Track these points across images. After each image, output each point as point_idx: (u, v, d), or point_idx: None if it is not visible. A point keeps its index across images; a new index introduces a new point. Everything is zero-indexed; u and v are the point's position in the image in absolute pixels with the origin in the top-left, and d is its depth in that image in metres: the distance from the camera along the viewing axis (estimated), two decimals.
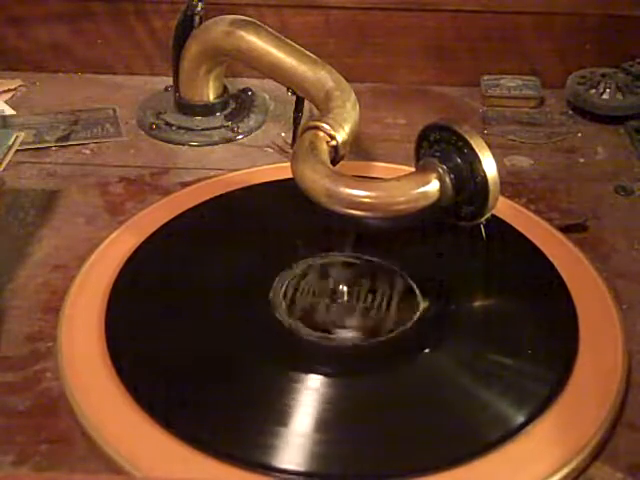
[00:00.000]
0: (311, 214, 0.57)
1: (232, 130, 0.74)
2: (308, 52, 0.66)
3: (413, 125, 0.63)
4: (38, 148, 0.71)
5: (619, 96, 0.76)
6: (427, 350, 0.51)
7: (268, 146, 0.73)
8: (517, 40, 0.81)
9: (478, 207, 0.56)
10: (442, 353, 0.51)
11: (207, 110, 0.75)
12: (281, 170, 0.65)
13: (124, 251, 0.57)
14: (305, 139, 0.57)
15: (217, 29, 0.69)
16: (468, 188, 0.55)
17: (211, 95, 0.75)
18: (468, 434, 0.45)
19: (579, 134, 0.75)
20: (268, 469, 0.43)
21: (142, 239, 0.58)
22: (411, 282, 0.55)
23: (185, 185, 0.66)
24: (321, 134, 0.57)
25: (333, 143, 0.57)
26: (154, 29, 0.82)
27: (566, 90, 0.79)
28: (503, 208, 0.60)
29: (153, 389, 0.47)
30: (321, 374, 0.48)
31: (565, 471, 0.43)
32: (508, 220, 0.60)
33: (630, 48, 0.79)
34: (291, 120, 0.70)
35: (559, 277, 0.55)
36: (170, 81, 0.76)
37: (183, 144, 0.73)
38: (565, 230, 0.61)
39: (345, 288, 0.54)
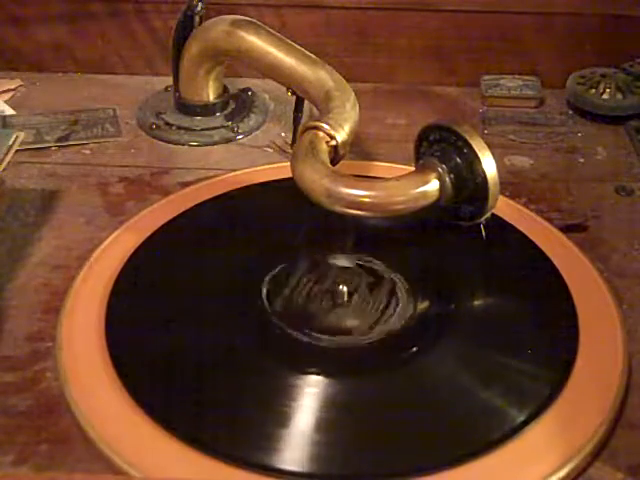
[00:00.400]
0: (311, 214, 0.57)
1: (232, 130, 0.74)
2: (308, 52, 0.66)
3: (413, 125, 0.63)
4: (38, 148, 0.71)
5: (619, 96, 0.76)
6: (427, 350, 0.51)
7: (268, 146, 0.73)
8: (517, 40, 0.81)
9: (478, 207, 0.56)
10: (442, 353, 0.51)
11: (207, 110, 0.75)
12: (281, 170, 0.65)
13: (124, 251, 0.57)
14: (305, 139, 0.57)
15: (217, 29, 0.69)
16: (468, 188, 0.55)
17: (211, 95, 0.75)
18: (468, 434, 0.45)
19: (579, 134, 0.75)
20: (268, 469, 0.43)
21: (142, 239, 0.58)
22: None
23: (185, 185, 0.66)
24: (321, 134, 0.57)
25: (333, 143, 0.57)
26: (154, 29, 0.82)
27: (566, 90, 0.79)
28: (503, 208, 0.60)
29: (153, 389, 0.47)
30: (321, 375, 0.48)
31: (565, 471, 0.43)
32: (508, 220, 0.60)
33: (630, 48, 0.79)
34: (291, 120, 0.70)
35: (559, 277, 0.55)
36: (170, 81, 0.76)
37: (183, 144, 0.73)
38: (565, 230, 0.61)
39: (345, 288, 0.54)
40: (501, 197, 0.58)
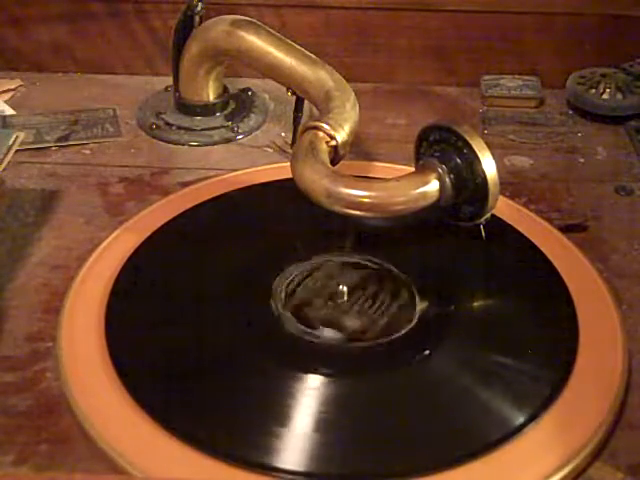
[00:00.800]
0: (311, 214, 0.57)
1: (232, 130, 0.74)
2: (308, 52, 0.66)
3: (413, 125, 0.63)
4: (38, 148, 0.71)
5: (619, 96, 0.76)
6: (427, 350, 0.51)
7: (268, 146, 0.73)
8: (517, 40, 0.81)
9: (478, 207, 0.56)
10: (442, 353, 0.51)
11: (207, 110, 0.75)
12: (281, 170, 0.65)
13: (124, 251, 0.57)
14: (305, 139, 0.57)
15: (217, 29, 0.69)
16: (468, 188, 0.55)
17: (211, 95, 0.75)
18: (468, 434, 0.45)
19: (579, 134, 0.75)
20: (268, 469, 0.43)
21: (142, 239, 0.58)
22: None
23: (185, 185, 0.66)
24: (321, 134, 0.57)
25: (333, 143, 0.57)
26: (154, 29, 0.82)
27: (566, 90, 0.79)
28: (503, 208, 0.60)
29: (153, 389, 0.47)
30: (321, 374, 0.48)
31: (565, 471, 0.43)
32: (508, 220, 0.60)
33: (630, 48, 0.79)
34: (291, 120, 0.70)
35: (559, 277, 0.55)
36: (170, 81, 0.76)
37: (183, 144, 0.73)
38: (565, 230, 0.61)
39: (345, 288, 0.54)
40: (501, 197, 0.57)
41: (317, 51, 0.66)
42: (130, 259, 0.57)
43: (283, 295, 0.54)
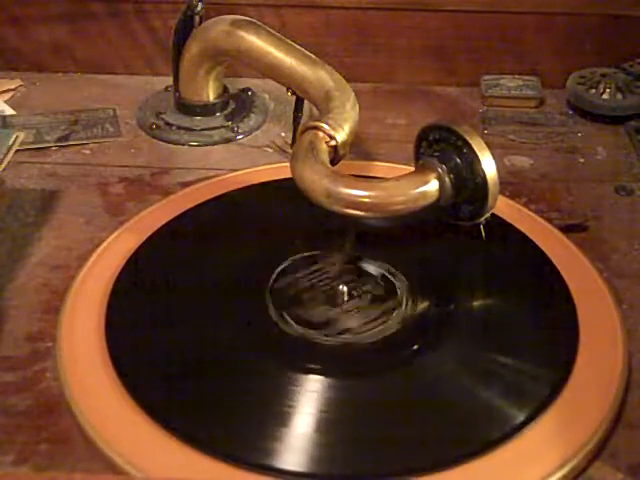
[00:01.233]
0: (311, 214, 0.57)
1: (232, 130, 0.74)
2: (308, 52, 0.66)
3: (413, 125, 0.63)
4: (38, 148, 0.71)
5: (619, 96, 0.76)
6: (427, 350, 0.51)
7: (268, 146, 0.73)
8: (517, 40, 0.81)
9: (478, 207, 0.56)
10: (442, 353, 0.51)
11: (207, 110, 0.75)
12: (281, 170, 0.65)
13: (124, 251, 0.57)
14: (305, 139, 0.57)
15: (217, 29, 0.69)
16: (467, 188, 0.55)
17: (211, 95, 0.75)
18: (468, 434, 0.45)
19: (579, 134, 0.75)
20: (267, 469, 0.43)
21: (142, 239, 0.58)
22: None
23: (185, 185, 0.66)
24: (321, 134, 0.57)
25: (333, 143, 0.57)
26: (154, 29, 0.82)
27: (566, 90, 0.79)
28: (503, 208, 0.60)
29: (153, 389, 0.47)
30: (320, 375, 0.48)
31: (565, 471, 0.43)
32: (508, 220, 0.60)
33: (630, 48, 0.79)
34: (291, 120, 0.70)
35: (559, 277, 0.55)
36: (170, 81, 0.76)
37: (183, 144, 0.73)
38: (565, 230, 0.61)
39: (345, 288, 0.54)
40: (501, 197, 0.58)
41: (317, 51, 0.66)
42: (130, 259, 0.57)
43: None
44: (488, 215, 0.57)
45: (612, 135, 0.75)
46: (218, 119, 0.75)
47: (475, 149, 0.55)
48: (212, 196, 0.63)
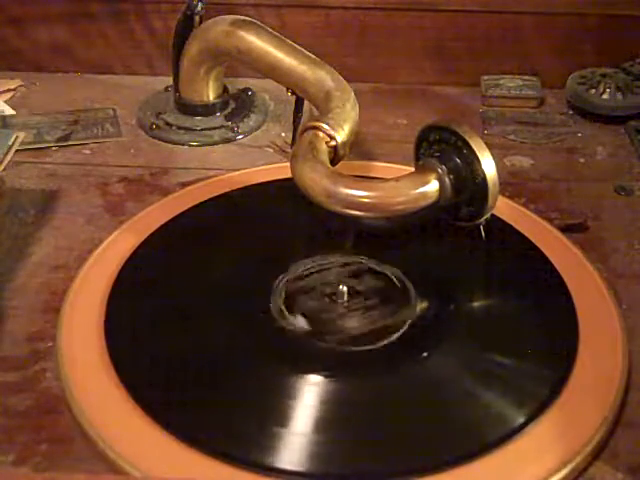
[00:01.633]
0: (311, 214, 0.57)
1: (232, 130, 0.74)
2: (308, 52, 0.66)
3: (413, 125, 0.63)
4: (38, 148, 0.71)
5: (619, 96, 0.76)
6: (427, 350, 0.51)
7: (268, 146, 0.73)
8: (517, 40, 0.81)
9: (477, 207, 0.56)
10: (442, 353, 0.51)
11: (207, 110, 0.75)
12: (281, 170, 0.65)
13: (124, 251, 0.57)
14: (305, 139, 0.57)
15: (217, 29, 0.69)
16: (467, 188, 0.55)
17: (211, 95, 0.75)
18: (468, 434, 0.45)
19: (579, 134, 0.75)
20: (267, 469, 0.43)
21: (142, 239, 0.58)
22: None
23: (185, 185, 0.66)
24: (321, 134, 0.57)
25: (333, 143, 0.57)
26: (154, 29, 0.82)
27: (566, 90, 0.79)
28: (503, 208, 0.60)
29: (153, 389, 0.47)
30: (320, 375, 0.48)
31: (565, 471, 0.43)
32: (508, 220, 0.60)
33: (630, 48, 0.79)
34: (291, 120, 0.70)
35: (559, 277, 0.55)
36: (170, 81, 0.76)
37: (183, 144, 0.73)
38: (565, 230, 0.61)
39: (345, 288, 0.54)
40: (501, 197, 0.58)
41: (317, 51, 0.66)
42: (130, 259, 0.57)
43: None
44: (488, 215, 0.57)
45: (612, 135, 0.75)
46: (218, 119, 0.75)
47: (475, 149, 0.55)
48: (212, 196, 0.63)
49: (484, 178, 0.55)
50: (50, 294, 0.55)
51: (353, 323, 0.53)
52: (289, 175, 0.56)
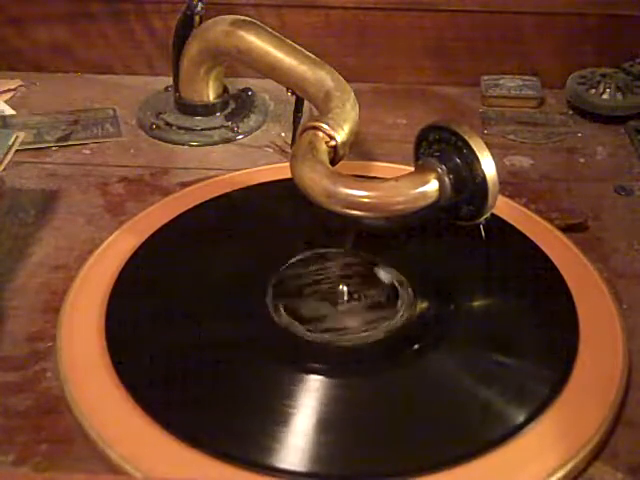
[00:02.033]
0: (311, 214, 0.57)
1: (232, 130, 0.74)
2: (308, 52, 0.66)
3: (413, 125, 0.63)
4: (38, 148, 0.71)
5: (619, 96, 0.76)
6: (427, 350, 0.51)
7: (268, 146, 0.73)
8: (517, 40, 0.81)
9: (477, 207, 0.56)
10: (442, 353, 0.51)
11: (207, 110, 0.75)
12: (281, 170, 0.65)
13: (124, 251, 0.57)
14: (304, 139, 0.57)
15: (217, 29, 0.69)
16: (467, 188, 0.55)
17: (211, 95, 0.75)
18: (468, 434, 0.45)
19: (579, 134, 0.75)
20: (268, 469, 0.43)
21: (142, 239, 0.58)
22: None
23: (185, 185, 0.66)
24: (320, 134, 0.57)
25: (332, 143, 0.57)
26: (154, 29, 0.82)
27: (566, 90, 0.79)
28: (503, 208, 0.60)
29: (153, 389, 0.47)
30: (321, 374, 0.48)
31: (565, 471, 0.43)
32: (508, 220, 0.60)
33: (630, 48, 0.80)
34: (291, 120, 0.70)
35: (559, 277, 0.55)
36: (170, 81, 0.76)
37: (183, 144, 0.73)
38: (565, 230, 0.61)
39: (345, 288, 0.54)
40: (501, 197, 0.58)
41: (317, 51, 0.66)
42: (130, 259, 0.57)
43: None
44: (488, 215, 0.57)
45: (612, 135, 0.75)
46: (218, 119, 0.75)
47: (475, 149, 0.55)
48: (212, 196, 0.63)
49: (484, 178, 0.55)
50: (50, 294, 0.55)
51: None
52: (289, 175, 0.56)
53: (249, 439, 0.45)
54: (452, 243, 0.59)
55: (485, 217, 0.57)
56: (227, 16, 0.70)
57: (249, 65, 0.69)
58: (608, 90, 0.76)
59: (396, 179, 0.55)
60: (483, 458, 0.43)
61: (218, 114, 0.76)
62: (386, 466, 0.44)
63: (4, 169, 0.60)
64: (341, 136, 0.57)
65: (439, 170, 0.55)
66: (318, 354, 0.51)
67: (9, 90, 0.81)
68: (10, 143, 0.62)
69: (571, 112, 0.78)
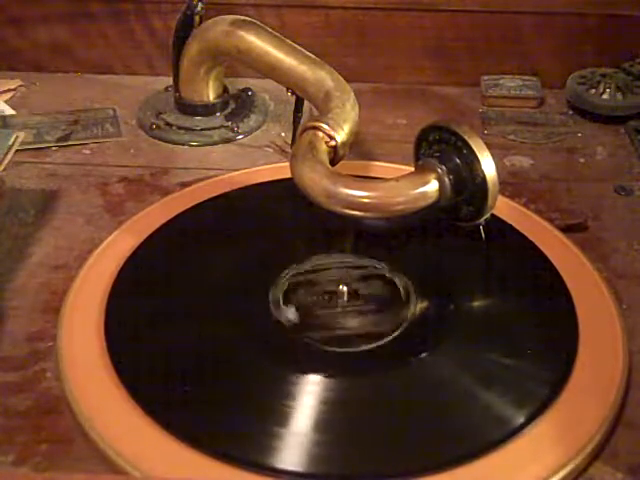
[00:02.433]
0: (311, 214, 0.57)
1: (232, 130, 0.74)
2: (308, 52, 0.66)
3: (413, 125, 0.63)
4: (38, 148, 0.71)
5: (619, 96, 0.76)
6: (427, 350, 0.51)
7: (268, 146, 0.73)
8: (517, 40, 0.81)
9: (477, 207, 0.56)
10: (442, 353, 0.51)
11: (207, 110, 0.75)
12: (281, 170, 0.65)
13: (124, 251, 0.57)
14: (304, 139, 0.57)
15: (217, 29, 0.69)
16: (467, 188, 0.55)
17: (211, 95, 0.75)
18: (468, 434, 0.45)
19: (579, 134, 0.75)
20: (267, 469, 0.43)
21: (142, 239, 0.58)
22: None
23: (185, 185, 0.66)
24: (320, 134, 0.57)
25: (332, 143, 0.57)
26: (154, 29, 0.82)
27: (566, 90, 0.79)
28: (503, 208, 0.60)
29: (153, 389, 0.47)
30: (321, 375, 0.48)
31: (565, 471, 0.43)
32: (508, 220, 0.60)
33: (630, 48, 0.79)
34: (291, 120, 0.70)
35: (559, 277, 0.55)
36: (170, 81, 0.76)
37: (183, 144, 0.73)
38: (565, 230, 0.61)
39: (345, 288, 0.54)
40: (501, 197, 0.58)
41: (317, 51, 0.66)
42: (130, 259, 0.57)
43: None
44: (488, 215, 0.57)
45: (612, 135, 0.75)
46: (218, 119, 0.75)
47: (475, 149, 0.55)
48: (212, 196, 0.63)
49: (484, 178, 0.55)
50: (50, 294, 0.55)
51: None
52: (289, 175, 0.56)
53: (249, 439, 0.45)
54: (452, 243, 0.59)
55: (485, 217, 0.57)
56: (227, 16, 0.70)
57: (249, 65, 0.69)
58: (608, 90, 0.76)
59: (396, 179, 0.55)
60: (483, 459, 0.43)
61: (218, 114, 0.76)
62: (386, 467, 0.44)
63: (4, 169, 0.60)
64: (341, 136, 0.57)
65: (439, 170, 0.55)
66: (318, 354, 0.51)
67: (9, 90, 0.81)
68: (10, 143, 0.62)
69: (571, 112, 0.78)
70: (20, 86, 0.82)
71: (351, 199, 0.53)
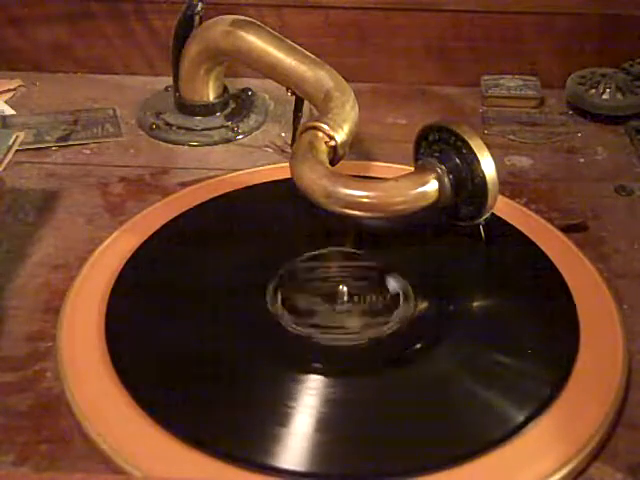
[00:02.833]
0: (310, 214, 0.57)
1: (232, 130, 0.74)
2: (308, 52, 0.66)
3: (413, 125, 0.63)
4: (38, 148, 0.71)
5: (619, 96, 0.76)
6: (427, 350, 0.51)
7: (268, 146, 0.73)
8: (517, 40, 0.81)
9: (477, 207, 0.56)
10: (442, 353, 0.50)
11: (207, 110, 0.75)
12: (281, 170, 0.65)
13: (124, 251, 0.57)
14: (304, 139, 0.57)
15: (217, 29, 0.69)
16: (467, 188, 0.55)
17: (211, 95, 0.75)
18: (468, 434, 0.45)
19: (579, 134, 0.75)
20: (268, 469, 0.43)
21: (142, 239, 0.58)
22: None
23: (185, 185, 0.66)
24: (320, 134, 0.57)
25: (332, 143, 0.57)
26: (154, 29, 0.82)
27: (566, 90, 0.79)
28: (503, 208, 0.60)
29: (153, 389, 0.47)
30: (321, 374, 0.48)
31: (565, 471, 0.43)
32: (508, 220, 0.60)
33: (630, 48, 0.79)
34: (291, 120, 0.70)
35: (559, 277, 0.55)
36: (170, 81, 0.76)
37: (183, 144, 0.73)
38: (565, 230, 0.61)
39: (345, 288, 0.54)
40: (501, 197, 0.58)
41: (317, 51, 0.66)
42: (130, 259, 0.57)
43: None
44: (488, 215, 0.57)
45: (612, 135, 0.75)
46: (218, 119, 0.75)
47: (474, 149, 0.55)
48: (212, 196, 0.63)
49: (483, 178, 0.55)
50: (50, 294, 0.55)
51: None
52: (289, 175, 0.56)
53: (249, 439, 0.45)
54: (452, 243, 0.59)
55: (485, 217, 0.57)
56: (227, 16, 0.70)
57: (249, 65, 0.69)
58: (608, 90, 0.76)
59: (396, 179, 0.55)
60: (483, 458, 0.43)
61: (218, 114, 0.76)
62: (386, 466, 0.44)
63: (4, 169, 0.60)
64: (341, 136, 0.57)
65: (439, 170, 0.55)
66: (319, 354, 0.51)
67: (9, 90, 0.81)
68: (10, 143, 0.62)
69: (571, 112, 0.78)
70: (20, 86, 0.82)
71: (350, 199, 0.53)
